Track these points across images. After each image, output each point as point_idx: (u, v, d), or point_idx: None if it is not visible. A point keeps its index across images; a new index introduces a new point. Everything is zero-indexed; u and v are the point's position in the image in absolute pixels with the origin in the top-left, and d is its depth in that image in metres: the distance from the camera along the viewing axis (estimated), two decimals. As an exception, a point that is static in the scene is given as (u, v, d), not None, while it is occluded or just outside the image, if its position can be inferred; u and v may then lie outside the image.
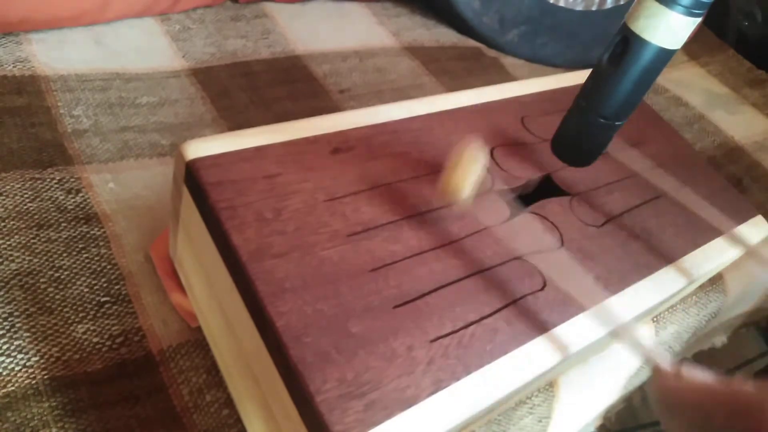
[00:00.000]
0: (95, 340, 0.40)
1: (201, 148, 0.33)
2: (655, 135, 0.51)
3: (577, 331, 0.33)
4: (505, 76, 0.81)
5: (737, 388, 0.26)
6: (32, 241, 0.43)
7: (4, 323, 0.39)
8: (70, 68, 0.57)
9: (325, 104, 0.65)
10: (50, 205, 0.46)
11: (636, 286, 0.37)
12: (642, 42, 0.32)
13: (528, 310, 0.33)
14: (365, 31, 0.78)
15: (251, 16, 0.73)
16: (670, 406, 0.28)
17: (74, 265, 0.43)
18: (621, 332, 0.32)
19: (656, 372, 0.30)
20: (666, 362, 0.30)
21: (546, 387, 0.46)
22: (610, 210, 0.41)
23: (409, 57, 0.76)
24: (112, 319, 0.41)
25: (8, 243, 0.42)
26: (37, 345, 0.38)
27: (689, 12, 0.31)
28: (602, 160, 0.43)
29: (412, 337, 0.29)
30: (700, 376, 0.28)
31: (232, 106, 0.60)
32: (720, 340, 0.72)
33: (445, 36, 0.84)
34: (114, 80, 0.58)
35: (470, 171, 0.32)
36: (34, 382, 0.37)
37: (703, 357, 0.70)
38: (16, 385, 0.36)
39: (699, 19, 0.32)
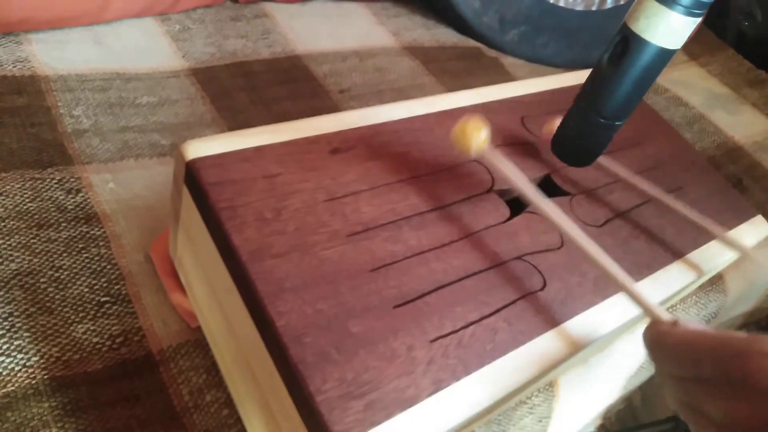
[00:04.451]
0: (95, 340, 0.40)
1: (201, 148, 0.33)
2: (655, 135, 0.51)
3: (576, 331, 0.33)
4: (505, 76, 0.81)
5: (727, 336, 0.26)
6: (32, 241, 0.43)
7: (4, 323, 0.39)
8: (70, 68, 0.57)
9: (325, 104, 0.65)
10: (50, 205, 0.46)
11: (636, 286, 0.37)
12: (642, 42, 0.32)
13: (528, 310, 0.33)
14: (365, 31, 0.78)
15: (251, 16, 0.73)
16: (662, 352, 0.28)
17: (74, 265, 0.43)
18: (623, 287, 0.32)
19: (653, 321, 0.30)
20: (664, 314, 0.30)
21: (546, 387, 0.46)
22: (610, 210, 0.41)
23: (409, 57, 0.76)
24: (112, 319, 0.41)
25: (8, 243, 0.42)
26: (37, 345, 0.38)
27: (689, 12, 0.31)
28: (602, 160, 0.43)
29: (412, 337, 0.29)
30: (694, 325, 0.28)
31: (232, 106, 0.60)
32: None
33: (445, 36, 0.84)
34: (114, 80, 0.58)
35: (482, 125, 0.34)
36: (34, 382, 0.37)
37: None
38: (16, 385, 0.36)
39: (699, 19, 0.32)
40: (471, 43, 0.85)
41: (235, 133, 0.35)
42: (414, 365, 0.28)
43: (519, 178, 0.35)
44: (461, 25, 0.85)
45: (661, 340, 0.28)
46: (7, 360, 0.37)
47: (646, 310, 0.31)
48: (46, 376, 0.37)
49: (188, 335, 0.42)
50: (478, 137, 0.34)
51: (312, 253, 0.30)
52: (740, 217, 0.46)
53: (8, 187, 0.45)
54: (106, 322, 0.41)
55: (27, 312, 0.39)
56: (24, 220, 0.44)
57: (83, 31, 0.61)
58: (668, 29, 0.31)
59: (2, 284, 0.40)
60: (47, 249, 0.43)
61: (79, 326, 0.40)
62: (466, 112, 0.41)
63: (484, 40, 0.85)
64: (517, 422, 0.44)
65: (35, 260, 0.42)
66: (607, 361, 0.50)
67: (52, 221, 0.45)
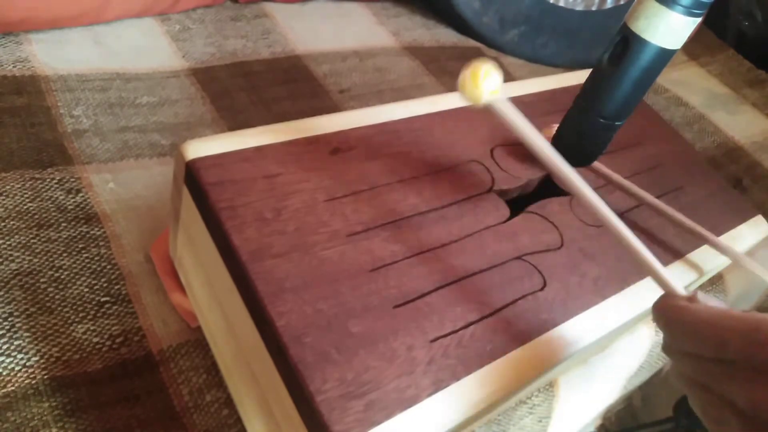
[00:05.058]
0: (95, 340, 0.40)
1: (201, 148, 0.33)
2: (655, 135, 0.51)
3: (576, 331, 0.33)
4: (505, 76, 0.81)
5: (756, 318, 0.24)
6: (32, 241, 0.43)
7: (4, 323, 0.39)
8: (70, 68, 0.57)
9: (325, 104, 0.65)
10: (50, 205, 0.46)
11: (636, 286, 0.37)
12: (642, 42, 0.32)
13: (528, 310, 0.33)
14: (365, 31, 0.78)
15: (251, 16, 0.73)
16: (679, 328, 0.26)
17: (74, 265, 0.43)
18: (637, 259, 0.30)
19: (668, 294, 0.28)
20: (680, 288, 0.28)
21: (546, 387, 0.46)
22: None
23: (409, 57, 0.76)
24: (112, 319, 0.41)
25: (8, 243, 0.42)
26: (37, 345, 0.38)
27: (689, 12, 0.31)
28: (602, 160, 0.43)
29: (412, 337, 0.29)
30: (715, 302, 0.26)
31: (232, 106, 0.60)
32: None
33: (445, 36, 0.84)
34: (114, 80, 0.58)
35: (492, 70, 0.31)
36: (34, 382, 0.37)
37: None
38: (16, 385, 0.36)
39: (699, 19, 0.32)
40: (471, 43, 0.85)
41: (235, 133, 0.35)
42: (414, 365, 0.28)
43: (533, 134, 0.31)
44: (461, 25, 0.85)
45: (678, 315, 0.26)
46: (7, 360, 0.37)
47: (660, 281, 0.29)
48: (46, 376, 0.37)
49: (188, 335, 0.42)
50: (490, 83, 0.31)
51: (312, 253, 0.30)
52: (740, 217, 0.46)
53: (8, 187, 0.45)
54: (106, 322, 0.41)
55: (27, 312, 0.39)
56: (24, 220, 0.44)
57: (83, 31, 0.61)
58: (668, 29, 0.31)
59: (2, 284, 0.40)
60: (47, 249, 0.43)
61: (79, 326, 0.40)
62: (468, 122, 0.41)
63: (484, 40, 0.85)
64: (517, 422, 0.44)
65: (35, 260, 0.42)
66: (607, 361, 0.50)
67: (52, 221, 0.45)
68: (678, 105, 0.87)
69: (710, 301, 0.27)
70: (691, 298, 0.27)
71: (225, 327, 0.34)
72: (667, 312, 0.27)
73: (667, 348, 0.28)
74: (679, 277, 0.40)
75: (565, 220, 0.39)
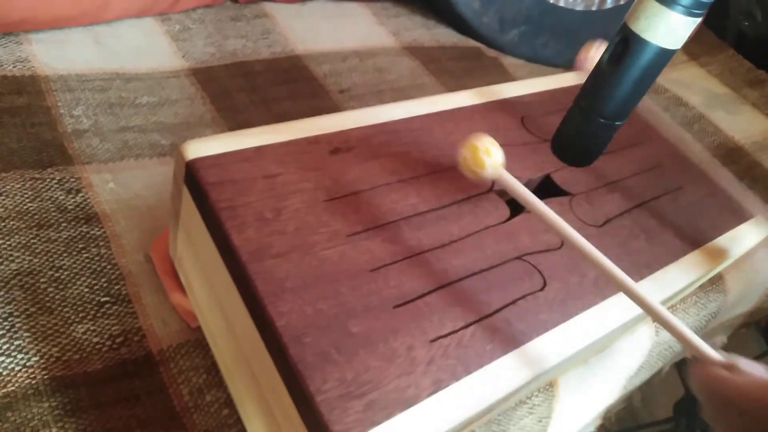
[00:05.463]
0: (95, 340, 0.40)
1: (201, 148, 0.33)
2: (655, 135, 0.51)
3: (577, 331, 0.33)
4: (505, 76, 0.81)
5: None
6: (32, 241, 0.43)
7: (4, 323, 0.39)
8: (70, 68, 0.57)
9: (325, 104, 0.65)
10: (50, 205, 0.46)
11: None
12: (642, 42, 0.32)
13: (528, 310, 0.33)
14: (365, 31, 0.78)
15: (251, 16, 0.73)
16: (724, 404, 0.25)
17: (74, 265, 0.43)
18: (659, 320, 0.29)
19: (705, 364, 0.26)
20: (715, 354, 0.27)
21: (546, 387, 0.46)
22: (610, 210, 0.41)
23: (409, 57, 0.76)
24: (112, 319, 0.41)
25: (8, 243, 0.42)
26: (37, 345, 0.38)
27: (689, 12, 0.31)
28: (602, 160, 0.43)
29: (412, 337, 0.29)
30: (761, 370, 0.25)
31: (232, 106, 0.60)
32: (720, 340, 0.72)
33: (445, 36, 0.84)
34: (114, 80, 0.58)
35: (493, 144, 0.33)
36: (34, 382, 0.37)
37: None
38: (16, 385, 0.36)
39: (699, 19, 0.32)
40: (471, 43, 0.85)
41: (235, 133, 0.35)
42: (414, 365, 0.28)
43: (535, 202, 0.33)
44: (461, 25, 0.85)
45: (721, 388, 0.25)
46: (7, 360, 0.37)
47: (692, 348, 0.27)
48: (46, 376, 0.37)
49: (188, 335, 0.42)
50: (492, 161, 0.32)
51: (312, 253, 0.30)
52: (740, 217, 0.46)
53: (8, 187, 0.45)
54: (106, 322, 0.41)
55: (27, 312, 0.39)
56: (24, 220, 0.44)
57: (83, 31, 0.61)
58: (668, 29, 0.31)
59: (2, 284, 0.40)
60: (47, 249, 0.43)
61: (79, 326, 0.40)
62: (468, 122, 0.40)
63: (484, 40, 0.85)
64: (517, 422, 0.44)
65: (35, 260, 0.42)
66: (607, 361, 0.50)
67: (52, 221, 0.45)
68: (678, 105, 0.87)
69: (751, 367, 0.25)
70: (731, 366, 0.25)
71: (225, 327, 0.34)
72: (709, 384, 0.26)
73: (709, 419, 0.27)
74: (679, 278, 0.40)
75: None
